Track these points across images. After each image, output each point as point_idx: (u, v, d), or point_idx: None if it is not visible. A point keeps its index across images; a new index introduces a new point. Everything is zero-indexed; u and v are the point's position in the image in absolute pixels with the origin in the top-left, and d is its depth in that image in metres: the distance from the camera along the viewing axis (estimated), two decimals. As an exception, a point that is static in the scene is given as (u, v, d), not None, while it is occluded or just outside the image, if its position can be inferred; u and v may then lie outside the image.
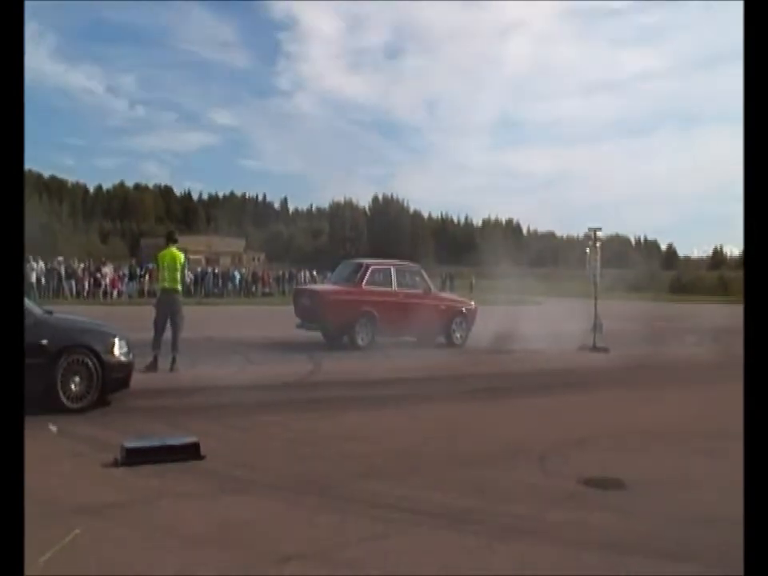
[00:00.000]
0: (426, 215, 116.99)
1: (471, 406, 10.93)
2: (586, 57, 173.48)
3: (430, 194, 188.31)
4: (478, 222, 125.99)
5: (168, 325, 13.82)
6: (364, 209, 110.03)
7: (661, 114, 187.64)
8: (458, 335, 19.49)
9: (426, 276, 19.99)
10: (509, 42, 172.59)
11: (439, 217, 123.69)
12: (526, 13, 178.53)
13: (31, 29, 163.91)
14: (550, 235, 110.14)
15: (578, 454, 8.24)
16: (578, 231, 74.17)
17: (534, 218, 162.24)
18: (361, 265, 19.22)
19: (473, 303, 20.85)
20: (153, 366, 13.31)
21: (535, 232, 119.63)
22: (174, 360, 13.56)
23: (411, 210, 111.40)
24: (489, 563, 4.97)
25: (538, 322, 26.96)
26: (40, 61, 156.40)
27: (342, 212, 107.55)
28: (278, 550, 5.12)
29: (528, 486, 6.87)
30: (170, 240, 14.38)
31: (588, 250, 20.43)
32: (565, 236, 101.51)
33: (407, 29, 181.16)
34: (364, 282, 18.12)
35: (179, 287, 13.95)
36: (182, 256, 14.15)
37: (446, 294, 23.05)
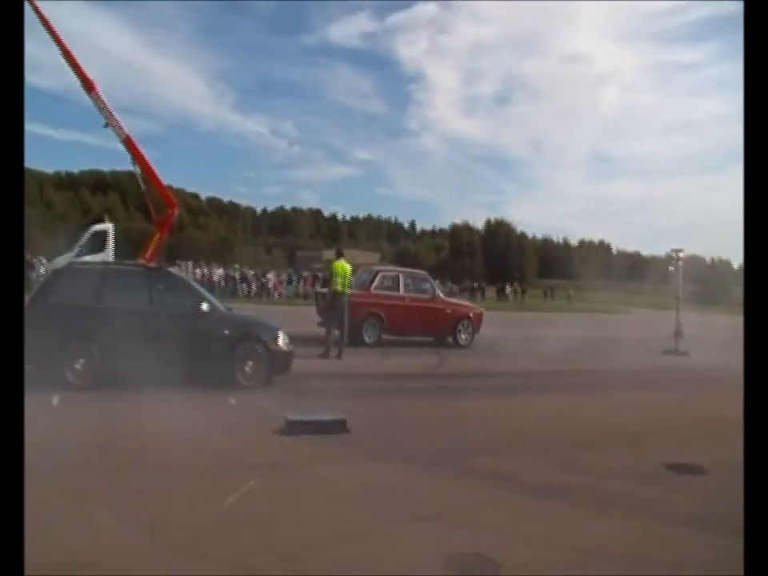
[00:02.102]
0: (530, 236, 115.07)
1: (572, 397, 10.68)
2: (665, 102, 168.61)
3: (533, 218, 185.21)
4: (574, 242, 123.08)
5: (337, 321, 14.21)
6: (478, 230, 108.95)
7: (729, 153, 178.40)
8: (463, 337, 17.89)
9: (433, 282, 18.83)
10: (602, 90, 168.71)
11: (541, 238, 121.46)
12: (616, 66, 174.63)
13: (218, 88, 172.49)
14: (636, 254, 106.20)
15: (663, 440, 7.97)
16: (660, 251, 71.43)
17: (622, 240, 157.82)
18: (372, 271, 18.15)
19: (480, 309, 19.40)
20: (326, 354, 13.74)
21: (623, 251, 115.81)
22: (341, 349, 13.95)
23: (518, 231, 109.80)
24: (584, 530, 4.91)
25: (626, 329, 26.21)
26: (223, 113, 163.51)
27: (460, 232, 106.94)
28: (410, 510, 5.18)
29: (619, 466, 6.72)
30: (340, 254, 15.17)
31: (671, 268, 19.75)
32: (649, 255, 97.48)
33: (515, 80, 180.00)
34: (373, 286, 16.93)
35: (348, 291, 14.50)
36: (349, 267, 14.74)
37: (452, 300, 21.20)
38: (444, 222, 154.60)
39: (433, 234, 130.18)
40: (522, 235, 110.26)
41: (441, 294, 18.78)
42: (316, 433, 7.24)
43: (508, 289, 61.85)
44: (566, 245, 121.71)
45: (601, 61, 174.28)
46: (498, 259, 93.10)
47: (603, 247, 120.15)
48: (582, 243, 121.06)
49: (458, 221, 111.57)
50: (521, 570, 4.18)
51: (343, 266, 14.50)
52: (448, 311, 17.93)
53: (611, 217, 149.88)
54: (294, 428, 7.24)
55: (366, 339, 16.28)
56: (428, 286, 18.14)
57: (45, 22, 24.17)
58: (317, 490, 5.62)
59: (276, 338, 10.19)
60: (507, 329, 23.85)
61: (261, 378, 9.87)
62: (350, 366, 13.03)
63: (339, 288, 14.26)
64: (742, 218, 3.38)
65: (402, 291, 17.26)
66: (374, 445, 7.14)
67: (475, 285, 60.09)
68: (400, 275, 17.86)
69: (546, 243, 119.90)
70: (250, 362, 9.83)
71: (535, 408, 9.71)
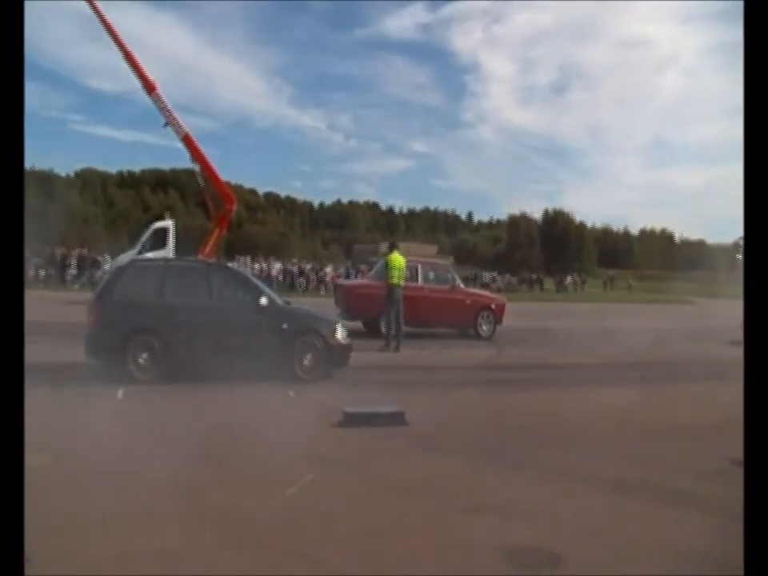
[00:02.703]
0: (589, 225, 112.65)
1: (634, 390, 10.39)
2: (729, 85, 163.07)
3: (592, 207, 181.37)
4: (635, 231, 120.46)
5: (394, 314, 14.19)
6: (536, 220, 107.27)
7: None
8: (485, 328, 17.30)
9: (454, 272, 18.41)
10: (662, 74, 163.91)
11: (601, 227, 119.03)
12: (676, 49, 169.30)
13: (275, 85, 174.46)
14: (700, 243, 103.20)
15: (729, 435, 7.68)
16: (727, 239, 69.11)
17: (686, 228, 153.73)
18: None
19: (503, 299, 18.90)
20: (386, 347, 13.79)
21: (687, 240, 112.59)
22: (398, 342, 13.96)
23: (577, 221, 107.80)
24: (648, 526, 4.79)
25: (690, 319, 25.59)
26: (280, 107, 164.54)
27: (517, 223, 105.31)
28: (467, 502, 5.17)
29: (684, 461, 6.56)
30: (394, 248, 15.07)
31: (739, 256, 19.19)
32: (715, 243, 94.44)
33: (571, 68, 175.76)
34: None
35: (402, 283, 14.41)
36: (403, 260, 14.71)
37: (474, 290, 20.80)
38: (501, 213, 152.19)
39: (490, 225, 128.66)
40: (581, 225, 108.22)
41: (461, 285, 18.36)
42: (375, 425, 7.27)
43: (567, 280, 60.96)
44: (626, 234, 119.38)
45: (660, 44, 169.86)
46: (557, 250, 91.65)
47: (665, 236, 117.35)
48: (643, 232, 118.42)
49: (516, 211, 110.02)
50: (582, 565, 4.12)
51: (398, 258, 14.49)
52: (468, 302, 17.45)
53: (674, 204, 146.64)
54: (353, 420, 7.28)
55: (383, 330, 15.37)
56: (448, 276, 17.78)
57: (107, 26, 24.86)
58: (376, 482, 5.65)
59: (334, 331, 10.23)
60: (566, 320, 23.61)
61: (319, 371, 9.93)
62: (406, 358, 13.03)
63: (394, 281, 14.23)
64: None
65: (420, 282, 16.90)
66: (433, 437, 7.13)
67: (533, 276, 59.43)
68: (418, 265, 17.46)
69: (606, 232, 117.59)
70: (308, 355, 9.90)
71: (597, 401, 9.51)
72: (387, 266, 14.50)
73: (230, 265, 13.16)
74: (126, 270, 10.45)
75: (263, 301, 9.89)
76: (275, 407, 8.37)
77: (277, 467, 5.86)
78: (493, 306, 17.79)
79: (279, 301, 10.52)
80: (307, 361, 9.87)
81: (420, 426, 7.38)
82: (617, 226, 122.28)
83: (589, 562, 4.14)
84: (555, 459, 6.45)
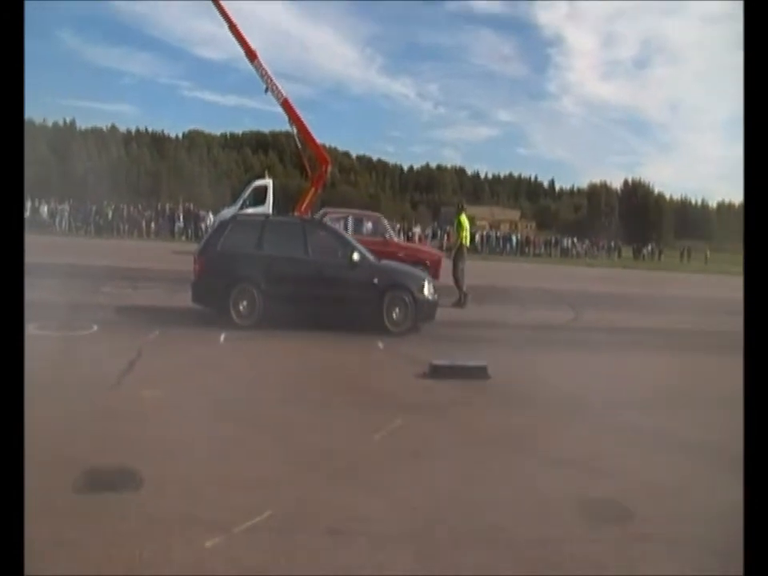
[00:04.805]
0: (667, 197, 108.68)
1: (713, 357, 9.90)
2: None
3: (671, 179, 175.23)
4: (713, 204, 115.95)
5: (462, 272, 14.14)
6: (616, 190, 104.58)
7: None
8: None
9: (386, 225, 16.90)
10: (742, 49, 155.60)
11: (679, 199, 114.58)
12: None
13: (368, 54, 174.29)
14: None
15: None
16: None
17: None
18: (320, 213, 17.02)
19: (439, 253, 16.86)
20: (458, 303, 13.67)
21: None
22: (465, 297, 13.85)
23: (655, 192, 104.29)
24: (718, 488, 4.46)
25: None
26: (372, 77, 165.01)
27: (597, 192, 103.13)
28: (547, 455, 5.09)
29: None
30: (462, 209, 15.01)
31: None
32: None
33: (653, 43, 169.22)
34: None
35: (468, 243, 14.54)
36: (467, 221, 14.66)
37: (408, 244, 19.32)
38: (582, 182, 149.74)
39: (572, 193, 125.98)
40: (660, 196, 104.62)
41: (394, 238, 17.04)
42: (458, 378, 7.21)
43: (646, 248, 59.05)
44: (704, 206, 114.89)
45: (741, 19, 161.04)
46: (635, 219, 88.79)
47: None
48: (720, 205, 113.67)
49: (597, 181, 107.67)
50: (652, 519, 4.03)
51: (465, 220, 14.48)
52: (400, 255, 15.28)
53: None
54: (438, 372, 7.25)
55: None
56: (380, 228, 16.50)
57: (215, 1, 25.10)
58: (459, 431, 5.63)
59: (422, 287, 10.14)
60: (646, 287, 22.97)
61: (407, 324, 9.89)
62: (490, 315, 12.86)
63: (464, 241, 14.29)
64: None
65: (349, 233, 15.21)
66: (514, 391, 7.05)
67: (612, 243, 57.88)
68: (349, 217, 16.62)
69: (684, 204, 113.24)
70: (397, 309, 9.87)
71: (676, 365, 9.15)
72: (461, 227, 14.37)
73: (324, 221, 13.18)
74: (228, 224, 10.63)
75: (356, 256, 9.90)
76: (365, 357, 8.43)
77: (367, 412, 5.92)
78: (427, 262, 15.61)
79: (371, 257, 10.50)
80: (396, 314, 9.84)
81: (502, 379, 7.28)
82: (695, 198, 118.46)
83: (659, 518, 4.05)
84: (634, 419, 6.27)
